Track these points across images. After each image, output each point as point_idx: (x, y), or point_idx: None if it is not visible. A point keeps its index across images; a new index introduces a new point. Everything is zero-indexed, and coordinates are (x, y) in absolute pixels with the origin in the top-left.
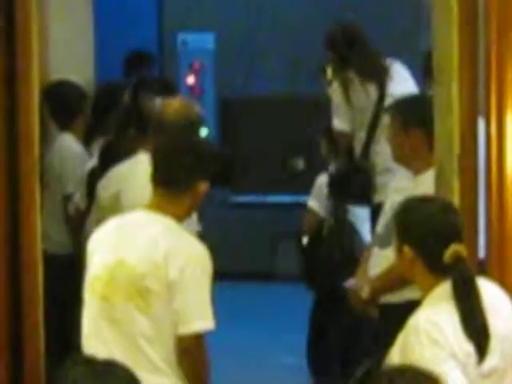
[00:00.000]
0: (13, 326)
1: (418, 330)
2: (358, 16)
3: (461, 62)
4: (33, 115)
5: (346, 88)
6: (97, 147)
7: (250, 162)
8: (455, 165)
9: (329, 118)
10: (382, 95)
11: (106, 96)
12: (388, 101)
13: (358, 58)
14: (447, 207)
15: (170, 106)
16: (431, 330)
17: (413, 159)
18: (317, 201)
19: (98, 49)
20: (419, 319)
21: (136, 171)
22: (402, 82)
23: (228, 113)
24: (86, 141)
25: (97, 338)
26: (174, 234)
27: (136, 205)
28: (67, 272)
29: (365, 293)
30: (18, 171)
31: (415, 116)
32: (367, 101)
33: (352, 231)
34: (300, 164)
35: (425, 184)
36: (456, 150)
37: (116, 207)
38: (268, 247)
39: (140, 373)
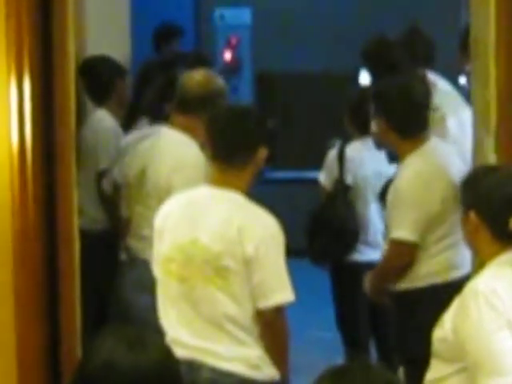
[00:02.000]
0: (49, 301)
1: (476, 294)
2: None
3: (498, 36)
4: (69, 90)
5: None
6: (140, 125)
7: (286, 137)
8: (492, 140)
9: (354, 93)
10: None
11: (145, 73)
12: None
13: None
14: None
15: (191, 79)
16: (490, 296)
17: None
18: (327, 175)
19: (134, 24)
20: (479, 284)
21: (161, 147)
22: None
23: (265, 88)
24: (128, 118)
25: (181, 320)
26: (246, 210)
27: (162, 181)
28: (102, 248)
29: (365, 287)
30: (54, 145)
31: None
32: None
33: (346, 204)
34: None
35: (408, 167)
36: (492, 125)
37: (142, 184)
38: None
39: (225, 347)
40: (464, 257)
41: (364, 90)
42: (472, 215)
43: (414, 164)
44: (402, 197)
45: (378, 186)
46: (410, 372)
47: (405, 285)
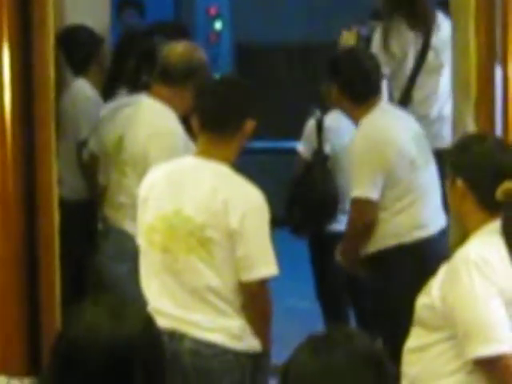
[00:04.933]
0: (28, 269)
1: (467, 262)
2: None
3: (477, 7)
4: (48, 60)
5: (387, 35)
6: (119, 94)
7: (264, 108)
8: (472, 110)
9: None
10: (426, 44)
11: (124, 43)
12: (430, 53)
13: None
14: (502, 145)
15: (174, 51)
16: (481, 264)
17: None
18: (305, 145)
19: None
20: (469, 252)
21: (140, 116)
22: (444, 35)
23: (244, 59)
24: (107, 87)
25: (163, 291)
26: (231, 182)
27: (139, 148)
28: (81, 217)
29: (337, 256)
30: (34, 116)
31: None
32: (408, 49)
33: (325, 174)
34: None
35: (359, 131)
36: (473, 94)
37: (119, 151)
38: (281, 193)
39: (207, 317)
40: (428, 217)
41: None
42: (459, 183)
43: (364, 128)
44: (355, 159)
45: None
46: (387, 342)
47: (373, 247)
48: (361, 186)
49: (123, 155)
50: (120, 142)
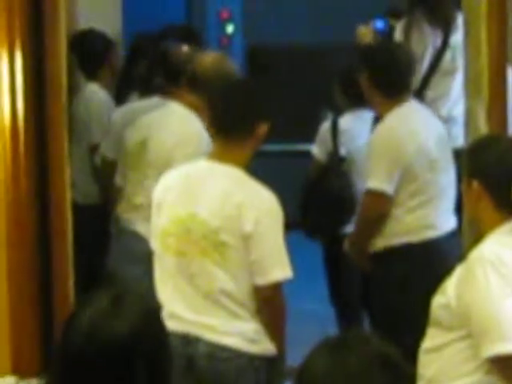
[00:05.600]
0: (42, 273)
1: (483, 261)
2: None
3: (489, 6)
4: (60, 64)
5: (408, 31)
6: (131, 98)
7: (276, 111)
8: (484, 110)
9: (343, 65)
10: (445, 43)
11: (136, 47)
12: (447, 53)
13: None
14: None
15: (204, 61)
16: (497, 263)
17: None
18: (320, 148)
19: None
20: (485, 251)
21: (168, 120)
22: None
23: (255, 62)
24: (119, 91)
25: (177, 294)
26: (245, 185)
27: (164, 153)
28: (94, 221)
29: (347, 249)
30: (46, 120)
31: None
32: (427, 47)
33: (340, 176)
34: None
35: (383, 124)
36: (485, 95)
37: (143, 153)
38: (294, 195)
39: (221, 321)
40: (439, 218)
41: (353, 61)
42: (475, 184)
43: (389, 121)
44: (374, 150)
45: None
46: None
47: (382, 243)
48: (376, 177)
49: (147, 157)
50: (143, 144)
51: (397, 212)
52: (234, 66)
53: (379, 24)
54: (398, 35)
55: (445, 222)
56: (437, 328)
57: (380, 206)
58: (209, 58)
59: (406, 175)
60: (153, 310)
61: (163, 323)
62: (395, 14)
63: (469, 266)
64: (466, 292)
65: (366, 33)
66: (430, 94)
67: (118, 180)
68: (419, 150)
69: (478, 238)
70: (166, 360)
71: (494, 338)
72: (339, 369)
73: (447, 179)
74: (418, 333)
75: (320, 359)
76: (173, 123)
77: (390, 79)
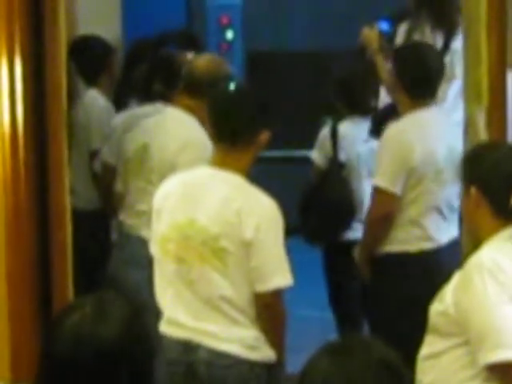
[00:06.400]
0: (42, 281)
1: (481, 268)
2: None
3: (489, 13)
4: (60, 70)
5: (411, 35)
6: (130, 104)
7: (276, 117)
8: (484, 117)
9: (341, 70)
10: (446, 46)
11: (135, 53)
12: (446, 58)
13: (438, 1)
14: None
15: (199, 63)
16: (495, 270)
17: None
18: (320, 154)
19: (124, 5)
20: (483, 258)
21: (168, 125)
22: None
23: (255, 68)
24: (118, 97)
25: (177, 301)
26: (245, 192)
27: (168, 158)
28: (94, 227)
29: (356, 254)
30: (46, 126)
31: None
32: None
33: (341, 182)
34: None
35: (398, 122)
36: (485, 102)
37: (144, 159)
38: (295, 200)
39: (221, 327)
40: (439, 229)
41: (352, 67)
42: (473, 191)
43: (403, 123)
44: (384, 149)
45: (371, 163)
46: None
47: (382, 249)
48: (383, 176)
49: (150, 163)
50: (145, 150)
51: (397, 218)
52: (228, 67)
53: (384, 25)
54: (400, 37)
55: (444, 233)
56: (435, 335)
57: (386, 204)
58: (204, 61)
59: (410, 179)
60: (137, 315)
61: (148, 327)
62: (401, 17)
63: (467, 273)
64: (464, 299)
65: (370, 34)
66: None
67: (118, 187)
68: (426, 157)
69: (476, 244)
70: (150, 364)
71: (492, 345)
72: (341, 373)
73: (452, 191)
74: (416, 339)
75: (321, 364)
76: (174, 128)
77: (416, 81)
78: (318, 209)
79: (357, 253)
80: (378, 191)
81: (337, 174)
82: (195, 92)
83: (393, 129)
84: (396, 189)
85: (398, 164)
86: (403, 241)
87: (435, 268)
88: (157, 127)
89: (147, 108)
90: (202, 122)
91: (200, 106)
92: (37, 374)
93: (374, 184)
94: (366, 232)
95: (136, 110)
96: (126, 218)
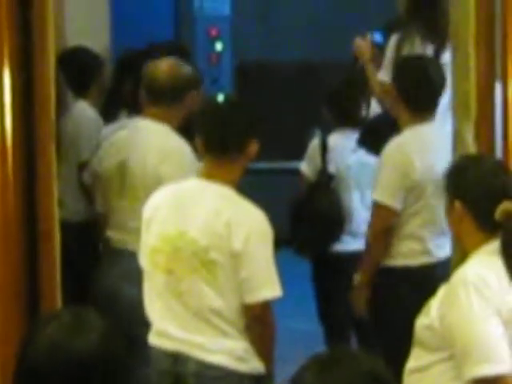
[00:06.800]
0: (30, 292)
1: (466, 282)
2: None
3: (477, 27)
4: (49, 82)
5: (400, 46)
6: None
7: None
8: (472, 131)
9: (331, 84)
10: (436, 58)
11: (124, 63)
12: None
13: (430, 13)
14: (499, 166)
15: (158, 68)
16: (480, 285)
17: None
18: (309, 165)
19: (113, 16)
20: (467, 273)
21: (139, 137)
22: None
23: (244, 79)
24: (107, 108)
25: (167, 312)
26: (234, 204)
27: (149, 171)
28: (83, 239)
29: (356, 280)
30: (34, 138)
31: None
32: None
33: (330, 194)
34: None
35: (398, 137)
36: (473, 114)
37: (124, 175)
38: (284, 212)
39: (210, 339)
40: (438, 243)
41: (342, 80)
42: (457, 205)
43: (404, 136)
44: (384, 163)
45: (360, 175)
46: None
47: (385, 263)
48: (382, 190)
49: (131, 180)
50: (123, 166)
51: (399, 233)
52: (190, 71)
53: (377, 37)
54: (390, 48)
55: (443, 247)
56: (420, 348)
57: (384, 219)
58: (163, 66)
59: (411, 193)
60: (113, 329)
61: (123, 343)
62: (392, 28)
63: (452, 288)
64: (449, 313)
65: (363, 45)
66: None
67: (99, 206)
68: (426, 172)
69: (462, 258)
70: (124, 379)
71: (478, 359)
72: None
73: None
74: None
75: (309, 375)
76: (149, 140)
77: (418, 96)
78: (307, 220)
79: (356, 280)
80: (378, 206)
81: (326, 185)
82: (157, 99)
83: (393, 143)
84: (394, 202)
85: (399, 179)
86: (403, 255)
87: (433, 283)
88: (129, 141)
89: (124, 122)
90: (174, 129)
91: (164, 113)
92: (12, 381)
93: (374, 199)
94: (370, 246)
95: (118, 124)
96: (115, 234)
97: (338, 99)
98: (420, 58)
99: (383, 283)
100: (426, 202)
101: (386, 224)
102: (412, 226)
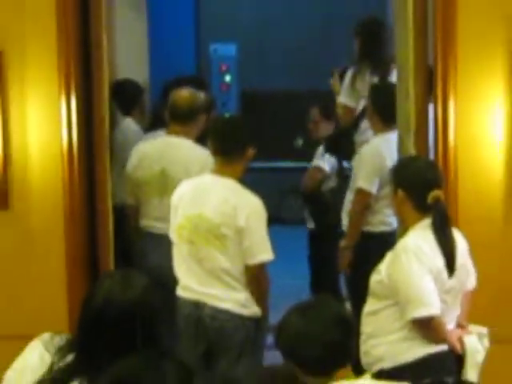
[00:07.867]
0: (92, 257)
1: (406, 249)
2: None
3: (415, 64)
4: (104, 105)
5: (355, 77)
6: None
7: (262, 138)
8: (412, 139)
9: (309, 112)
10: None
11: (163, 91)
12: None
13: (377, 54)
14: (431, 164)
15: (180, 96)
16: (417, 251)
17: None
18: (323, 161)
19: (151, 55)
20: (407, 242)
21: (171, 150)
22: None
23: (248, 104)
24: (150, 127)
25: (189, 272)
26: (238, 193)
27: (182, 177)
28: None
29: (342, 242)
30: (93, 146)
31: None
32: (367, 90)
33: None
34: (299, 141)
35: (371, 142)
36: (412, 128)
37: (164, 182)
38: (277, 199)
39: (221, 291)
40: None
41: (338, 128)
42: (400, 192)
43: (378, 140)
44: (363, 159)
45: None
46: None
47: (366, 228)
48: (362, 179)
49: (174, 184)
50: (163, 174)
51: (376, 206)
52: (203, 97)
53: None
54: (347, 79)
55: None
56: (373, 297)
57: (365, 200)
58: (183, 94)
59: (382, 181)
60: (152, 285)
61: (159, 295)
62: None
63: (396, 253)
64: (394, 272)
65: (333, 81)
66: (364, 124)
67: (129, 201)
68: (387, 166)
69: (403, 231)
70: (159, 322)
71: (415, 304)
72: (304, 325)
73: None
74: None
75: (293, 317)
76: (180, 153)
77: (389, 111)
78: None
79: (342, 242)
80: (360, 190)
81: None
82: (179, 119)
83: (370, 145)
84: (372, 189)
85: (375, 171)
86: (382, 222)
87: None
88: (165, 154)
89: (152, 137)
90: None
91: (185, 130)
92: (77, 322)
93: (356, 186)
94: (353, 219)
95: (147, 136)
96: (158, 223)
97: (335, 149)
98: (387, 84)
99: (363, 243)
100: (390, 189)
101: (365, 203)
102: (380, 204)
